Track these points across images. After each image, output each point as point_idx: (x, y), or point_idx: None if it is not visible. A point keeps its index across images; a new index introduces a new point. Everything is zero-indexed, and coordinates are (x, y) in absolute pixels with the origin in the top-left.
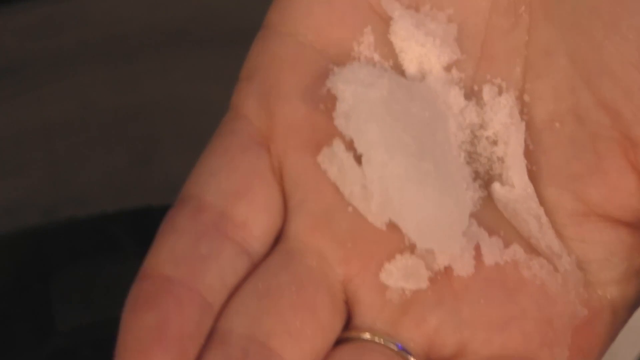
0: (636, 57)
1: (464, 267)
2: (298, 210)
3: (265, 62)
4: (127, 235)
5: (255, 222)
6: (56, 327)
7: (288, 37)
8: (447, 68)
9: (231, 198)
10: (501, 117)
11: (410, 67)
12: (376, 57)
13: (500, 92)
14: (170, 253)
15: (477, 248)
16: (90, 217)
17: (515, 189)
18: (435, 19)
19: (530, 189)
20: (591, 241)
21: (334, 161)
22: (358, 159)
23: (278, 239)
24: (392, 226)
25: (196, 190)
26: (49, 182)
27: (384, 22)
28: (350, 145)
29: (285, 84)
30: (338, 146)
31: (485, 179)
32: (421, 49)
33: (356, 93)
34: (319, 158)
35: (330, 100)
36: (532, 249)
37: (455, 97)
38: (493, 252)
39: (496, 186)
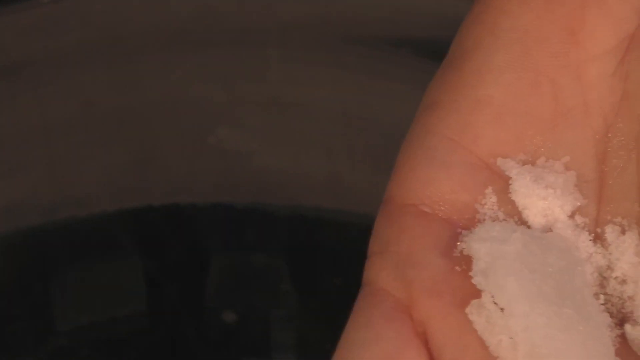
0: None
1: None
2: None
3: (394, 235)
4: (128, 234)
5: None
6: (56, 326)
7: (412, 209)
8: (571, 215)
9: None
10: (628, 257)
11: (535, 221)
12: (501, 215)
13: (623, 231)
14: None
15: None
16: (90, 216)
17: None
18: (553, 169)
19: None
20: None
21: (482, 312)
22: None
23: None
24: None
25: None
26: (49, 182)
27: (504, 180)
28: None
29: (418, 253)
30: (486, 298)
31: (618, 317)
32: (544, 202)
33: (491, 250)
34: (468, 309)
35: (465, 262)
36: None
37: (584, 242)
38: None
39: (628, 327)
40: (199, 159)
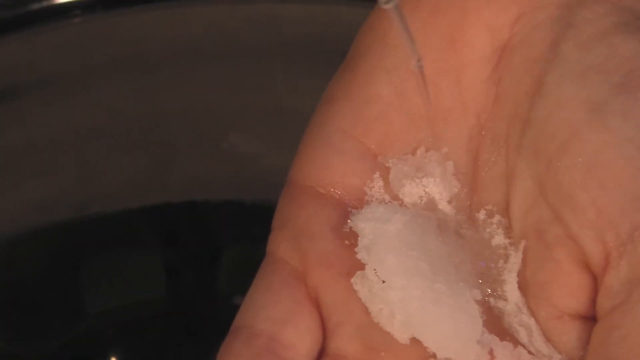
0: (581, 178)
1: None
2: (336, 330)
3: (293, 212)
4: (148, 228)
5: (300, 343)
6: (86, 309)
7: (309, 190)
8: (450, 201)
9: (279, 325)
10: (498, 239)
11: (416, 205)
12: (387, 198)
13: (491, 216)
14: None
15: (491, 352)
16: (115, 212)
17: (508, 303)
18: (432, 159)
19: (520, 302)
20: (569, 339)
21: (365, 283)
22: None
23: (321, 354)
24: (415, 340)
25: (247, 321)
26: (79, 182)
27: (388, 168)
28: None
29: (313, 227)
30: (369, 271)
31: (486, 292)
32: (423, 188)
33: (375, 229)
34: (352, 280)
35: (353, 237)
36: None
37: (460, 224)
38: (505, 354)
39: (491, 301)
40: (213, 160)
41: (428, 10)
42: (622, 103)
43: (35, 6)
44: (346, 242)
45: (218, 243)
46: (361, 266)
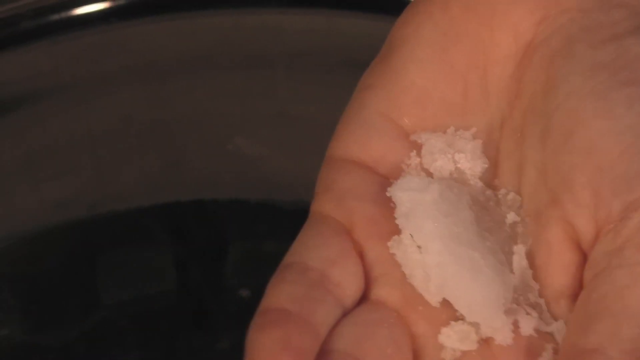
0: (580, 161)
1: (504, 338)
2: (377, 281)
3: (339, 177)
4: (159, 225)
5: (347, 283)
6: (101, 301)
7: (352, 163)
8: (480, 177)
9: (329, 265)
10: (511, 216)
11: (449, 176)
12: (422, 174)
13: (507, 194)
14: (288, 295)
15: (515, 322)
16: (128, 211)
17: (515, 277)
18: (463, 136)
19: (528, 276)
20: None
21: (401, 248)
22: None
23: (362, 300)
24: (445, 301)
25: (298, 259)
26: (94, 182)
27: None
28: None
29: (359, 190)
30: (405, 236)
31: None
32: (455, 164)
33: (412, 197)
34: (389, 244)
35: (394, 204)
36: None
37: (488, 199)
38: (528, 327)
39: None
40: (220, 162)
41: (459, 10)
42: (626, 94)
43: (55, 17)
44: (391, 204)
45: (224, 239)
46: (400, 231)
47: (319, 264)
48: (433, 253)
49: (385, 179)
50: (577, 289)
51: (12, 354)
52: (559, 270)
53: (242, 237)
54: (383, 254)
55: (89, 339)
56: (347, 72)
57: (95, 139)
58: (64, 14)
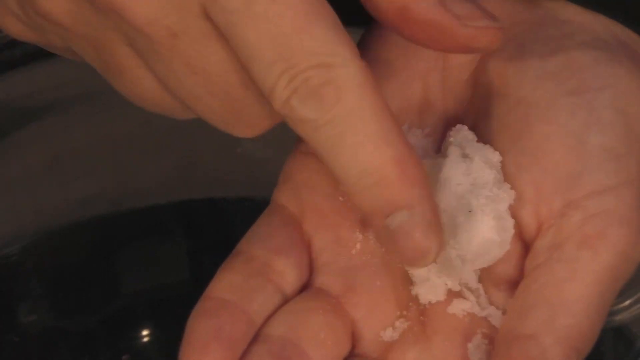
0: (526, 162)
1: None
2: (322, 269)
3: (296, 169)
4: (174, 221)
5: (289, 272)
6: (121, 290)
7: (314, 156)
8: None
9: (273, 254)
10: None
11: None
12: None
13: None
14: (228, 284)
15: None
16: (146, 207)
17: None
18: (415, 134)
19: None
20: (505, 302)
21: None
22: None
23: (305, 288)
24: (396, 284)
25: (247, 248)
26: (115, 182)
27: None
28: None
29: (312, 182)
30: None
31: None
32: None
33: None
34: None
35: (344, 194)
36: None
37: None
38: (458, 307)
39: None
40: (230, 164)
41: None
42: (571, 103)
43: None
44: (340, 198)
45: (234, 234)
46: (350, 221)
47: (264, 254)
48: None
49: None
50: (517, 278)
51: (40, 337)
52: (502, 259)
53: None
54: (329, 242)
55: (110, 324)
56: None
57: (116, 143)
58: None
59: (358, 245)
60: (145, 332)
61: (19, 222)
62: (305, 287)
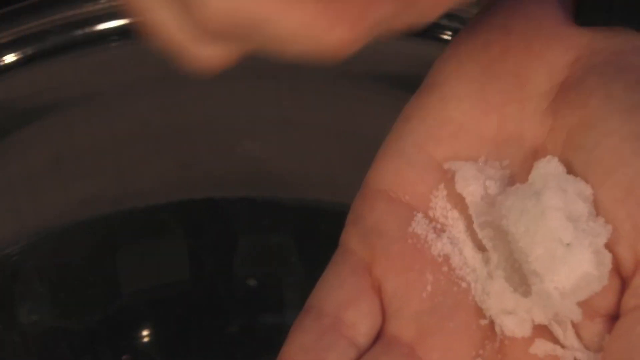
0: (621, 196)
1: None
2: (394, 315)
3: (366, 211)
4: (175, 221)
5: (361, 323)
6: (121, 289)
7: (382, 193)
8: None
9: (343, 307)
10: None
11: (478, 203)
12: (449, 206)
13: None
14: (299, 346)
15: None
16: (146, 207)
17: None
18: (492, 166)
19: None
20: (600, 337)
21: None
22: None
23: (379, 336)
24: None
25: (317, 302)
26: (116, 181)
27: (454, 180)
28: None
29: (382, 226)
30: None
31: None
32: (486, 190)
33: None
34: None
35: (415, 237)
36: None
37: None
38: (540, 348)
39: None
40: (229, 163)
41: (498, 50)
42: None
43: (80, 33)
44: (409, 241)
45: (233, 233)
46: (420, 264)
47: (334, 308)
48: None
49: (411, 212)
50: (614, 312)
51: (41, 337)
52: (599, 292)
53: (249, 231)
54: (400, 287)
55: (110, 323)
56: (345, 82)
57: (117, 143)
58: (88, 30)
59: (429, 288)
60: (145, 332)
61: (20, 222)
62: (379, 335)
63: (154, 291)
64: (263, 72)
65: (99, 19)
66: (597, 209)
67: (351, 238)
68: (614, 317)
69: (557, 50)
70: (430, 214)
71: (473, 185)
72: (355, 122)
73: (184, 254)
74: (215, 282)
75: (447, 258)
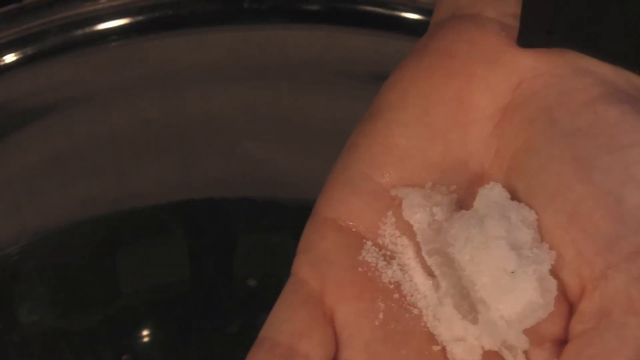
0: (565, 222)
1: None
2: (347, 343)
3: (316, 240)
4: (175, 221)
5: (315, 353)
6: (121, 289)
7: (331, 222)
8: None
9: (296, 337)
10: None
11: (425, 231)
12: (397, 233)
13: None
14: None
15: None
16: (147, 207)
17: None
18: (439, 191)
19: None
20: None
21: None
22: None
23: None
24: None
25: (271, 333)
26: (116, 181)
27: (400, 206)
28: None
29: (332, 255)
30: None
31: None
32: (433, 217)
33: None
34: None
35: (365, 265)
36: None
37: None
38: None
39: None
40: (229, 163)
41: (441, 76)
42: (605, 161)
43: (80, 32)
44: (359, 269)
45: (233, 233)
46: (371, 291)
47: (287, 338)
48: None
49: (361, 240)
50: (562, 337)
51: (42, 337)
52: (547, 318)
53: (250, 231)
54: (352, 315)
55: (111, 324)
56: (344, 82)
57: (117, 143)
58: (87, 29)
59: (381, 315)
60: (145, 332)
61: (20, 222)
62: None
63: (154, 291)
64: (263, 72)
65: (98, 19)
66: (542, 234)
67: (302, 267)
68: (562, 342)
69: (500, 74)
70: (380, 241)
71: (420, 212)
72: (355, 122)
73: (184, 254)
74: (215, 282)
75: (398, 285)
